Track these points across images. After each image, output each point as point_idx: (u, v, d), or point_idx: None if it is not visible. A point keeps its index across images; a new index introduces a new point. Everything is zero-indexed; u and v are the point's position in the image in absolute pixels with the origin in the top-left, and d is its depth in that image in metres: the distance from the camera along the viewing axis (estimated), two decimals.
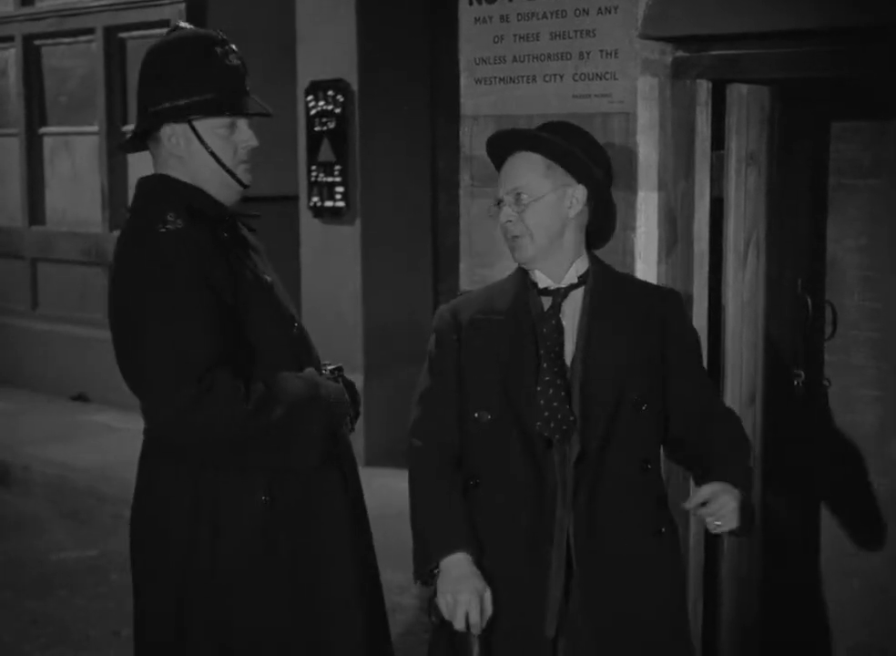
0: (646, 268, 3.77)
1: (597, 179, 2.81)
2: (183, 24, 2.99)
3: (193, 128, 2.85)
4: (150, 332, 2.70)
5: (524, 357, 2.79)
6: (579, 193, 2.80)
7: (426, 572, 2.78)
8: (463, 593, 2.70)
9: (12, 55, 9.90)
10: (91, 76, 9.26)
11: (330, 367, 3.01)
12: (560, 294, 2.82)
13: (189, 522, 2.82)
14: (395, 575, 5.35)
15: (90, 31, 9.19)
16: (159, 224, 2.77)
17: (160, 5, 8.55)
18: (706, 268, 3.84)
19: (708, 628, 3.96)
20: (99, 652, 5.01)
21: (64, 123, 9.67)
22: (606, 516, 2.75)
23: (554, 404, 2.74)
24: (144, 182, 2.94)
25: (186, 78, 2.84)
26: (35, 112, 9.81)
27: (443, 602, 2.72)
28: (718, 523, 2.67)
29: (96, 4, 9.07)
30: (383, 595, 3.13)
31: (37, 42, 9.73)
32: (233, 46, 2.93)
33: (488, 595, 2.72)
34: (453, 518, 2.78)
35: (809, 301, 4.19)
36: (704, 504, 2.68)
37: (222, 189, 2.90)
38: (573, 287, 2.83)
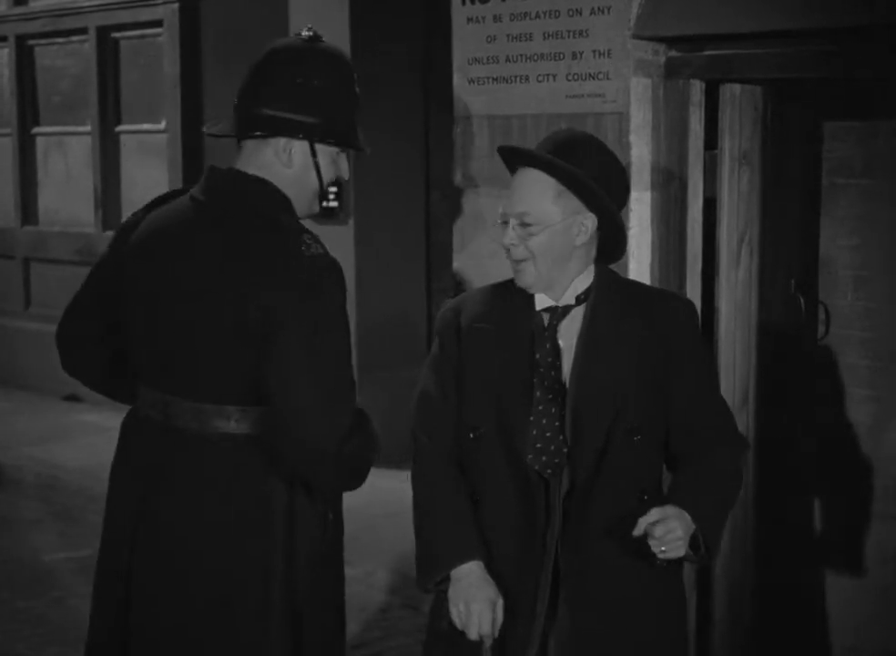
0: (639, 268, 3.78)
1: (609, 209, 2.62)
2: (316, 32, 2.79)
3: (312, 147, 2.73)
4: (316, 355, 2.55)
5: (519, 383, 2.64)
6: (589, 222, 2.62)
7: (434, 581, 2.67)
8: (476, 602, 2.59)
9: (5, 54, 9.88)
10: (84, 76, 9.24)
11: None
12: (557, 315, 2.66)
13: (266, 530, 2.67)
14: (387, 575, 5.36)
15: (83, 31, 9.17)
16: (301, 245, 2.61)
17: (153, 4, 8.54)
18: (699, 268, 3.85)
19: (702, 628, 3.97)
20: None
21: (57, 123, 9.65)
22: (598, 549, 2.60)
23: (547, 434, 2.61)
24: (244, 179, 2.72)
25: (321, 97, 2.72)
26: (28, 112, 9.79)
27: (456, 612, 2.62)
28: (663, 549, 2.45)
29: (89, 4, 9.06)
30: None
31: (30, 42, 9.70)
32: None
33: (500, 604, 2.62)
34: (462, 526, 2.66)
35: (802, 300, 4.19)
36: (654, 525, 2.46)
37: (304, 210, 2.80)
38: (573, 305, 2.67)
